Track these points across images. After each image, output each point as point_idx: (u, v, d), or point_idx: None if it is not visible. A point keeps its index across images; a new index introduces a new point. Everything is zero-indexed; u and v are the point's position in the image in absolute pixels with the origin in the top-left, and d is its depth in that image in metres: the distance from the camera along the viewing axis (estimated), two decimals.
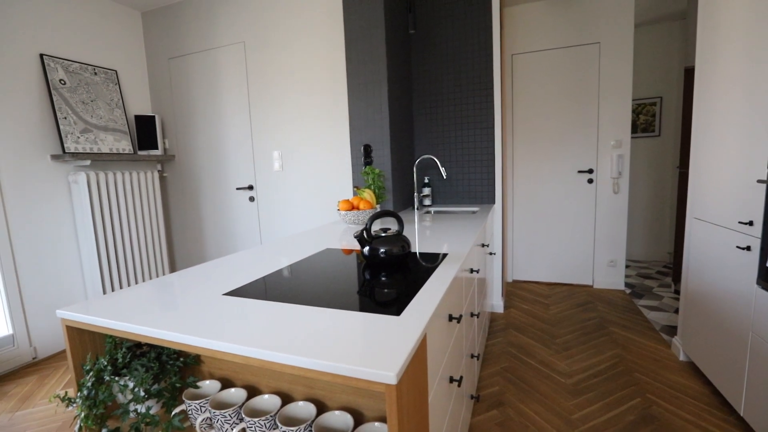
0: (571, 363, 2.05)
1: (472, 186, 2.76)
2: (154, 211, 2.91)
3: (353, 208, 1.94)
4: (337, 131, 2.55)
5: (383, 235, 1.18)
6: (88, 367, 0.85)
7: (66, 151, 2.41)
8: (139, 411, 0.81)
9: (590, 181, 3.16)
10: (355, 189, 2.02)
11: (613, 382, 1.86)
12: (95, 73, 2.67)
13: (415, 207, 2.52)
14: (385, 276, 1.05)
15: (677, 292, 3.02)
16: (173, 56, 2.94)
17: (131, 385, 0.81)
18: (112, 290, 2.63)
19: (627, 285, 3.25)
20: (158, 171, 3.05)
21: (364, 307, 0.81)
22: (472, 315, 1.48)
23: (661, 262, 3.92)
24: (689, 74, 2.82)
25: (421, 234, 1.64)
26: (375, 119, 2.30)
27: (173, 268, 3.26)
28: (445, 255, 1.25)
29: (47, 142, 2.41)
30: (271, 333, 0.69)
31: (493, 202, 2.71)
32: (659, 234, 3.92)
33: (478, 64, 2.64)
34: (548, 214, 3.32)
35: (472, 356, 1.47)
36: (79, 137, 2.50)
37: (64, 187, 2.49)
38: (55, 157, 2.42)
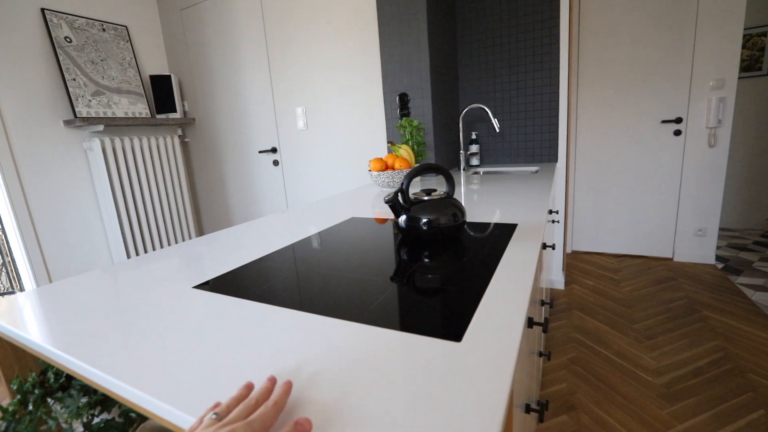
0: (659, 356, 1.65)
1: (529, 142, 2.31)
2: (176, 178, 2.73)
3: (387, 167, 1.60)
4: (367, 82, 2.16)
5: (426, 198, 0.84)
6: (15, 387, 0.61)
7: (77, 115, 2.23)
8: None
9: (677, 132, 2.57)
10: (390, 145, 1.67)
11: (720, 384, 1.46)
12: (103, 30, 2.44)
13: (461, 167, 2.13)
14: (429, 258, 0.72)
15: None
16: (185, 6, 2.63)
17: (63, 416, 0.56)
18: (137, 254, 2.51)
19: (718, 258, 2.70)
20: (179, 136, 2.85)
21: (391, 321, 0.48)
22: (543, 303, 1.13)
23: (758, 230, 3.27)
24: None
25: (473, 200, 1.28)
26: (412, 61, 1.89)
27: (201, 232, 3.13)
28: (514, 227, 0.89)
29: (58, 106, 2.24)
30: (223, 373, 0.39)
31: (555, 161, 2.25)
32: (758, 196, 3.24)
33: None
34: (619, 173, 2.79)
35: (540, 354, 1.13)
36: (90, 100, 2.32)
37: (80, 154, 2.35)
38: (67, 122, 2.26)
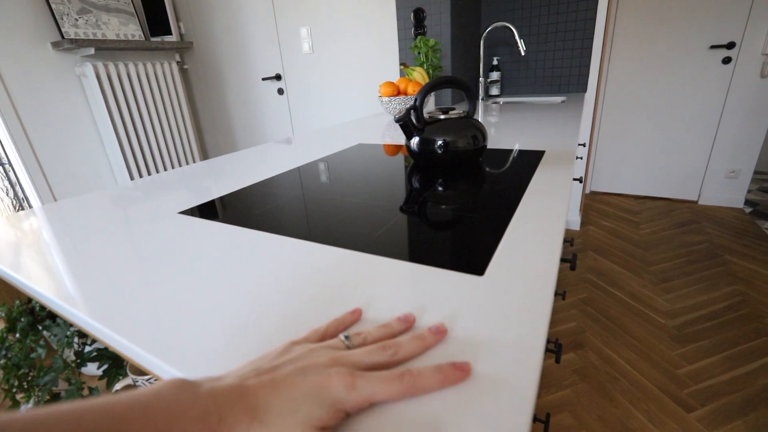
0: (673, 299, 1.61)
1: (556, 69, 2.08)
2: (177, 105, 2.59)
3: (399, 93, 1.45)
4: None
5: (442, 117, 0.73)
6: (3, 314, 0.58)
7: (65, 36, 2.06)
8: (71, 381, 0.54)
9: (727, 60, 2.29)
10: (402, 67, 1.50)
11: (735, 328, 1.42)
12: None
13: (480, 96, 1.95)
14: (445, 186, 0.63)
15: None
16: None
17: (53, 345, 0.53)
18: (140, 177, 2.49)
19: (746, 202, 2.56)
20: (177, 62, 2.66)
21: (401, 251, 0.41)
22: (564, 241, 1.05)
23: None
24: None
25: (494, 128, 1.15)
26: None
27: (206, 156, 3.06)
28: (541, 153, 0.79)
29: (41, 28, 2.06)
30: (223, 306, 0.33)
31: (584, 91, 2.04)
32: None
33: None
34: (651, 107, 2.56)
35: (556, 294, 1.09)
36: (77, 20, 2.12)
37: (73, 80, 2.21)
38: (55, 44, 2.09)
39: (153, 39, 2.51)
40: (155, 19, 2.47)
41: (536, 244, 0.40)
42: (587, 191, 2.92)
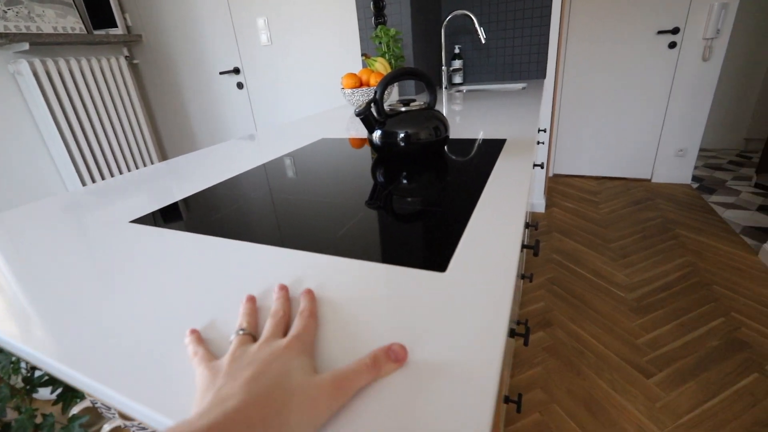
0: (632, 273, 1.71)
1: (516, 56, 2.12)
2: (129, 102, 2.44)
3: (361, 84, 1.43)
4: None
5: (403, 110, 0.72)
6: None
7: None
8: (21, 409, 0.50)
9: (672, 45, 2.41)
10: (364, 58, 1.48)
11: (686, 297, 1.53)
12: None
13: (443, 85, 1.96)
14: (408, 178, 0.63)
15: (761, 186, 2.50)
16: None
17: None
18: (93, 183, 2.34)
19: (693, 178, 2.73)
20: (126, 57, 2.50)
21: (362, 251, 0.41)
22: (527, 226, 1.08)
23: (733, 150, 3.30)
24: None
25: (457, 117, 1.16)
26: None
27: (164, 156, 2.92)
28: (503, 142, 0.80)
29: None
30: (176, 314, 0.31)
31: (543, 77, 2.10)
32: (738, 115, 3.20)
33: None
34: (605, 90, 2.67)
35: (523, 277, 1.12)
36: (5, 11, 1.94)
37: (7, 80, 2.03)
38: None
39: (96, 32, 2.34)
40: (98, 11, 2.30)
41: (498, 234, 0.41)
42: (550, 174, 3.03)
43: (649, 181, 2.75)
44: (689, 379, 1.17)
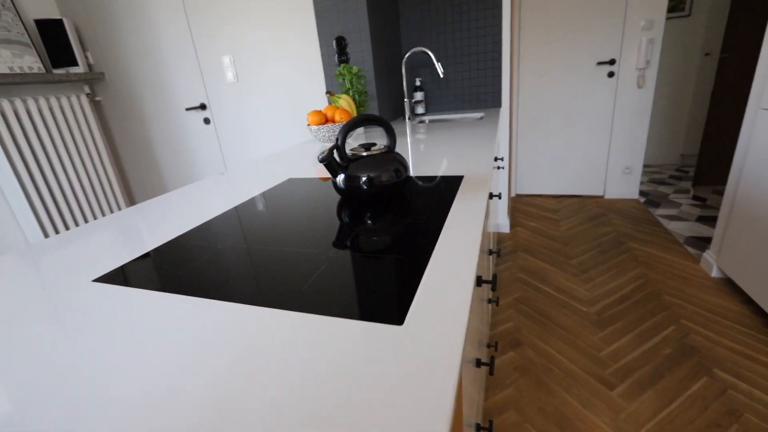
0: (592, 288, 1.81)
1: (473, 87, 2.26)
2: (91, 141, 2.39)
3: (327, 120, 1.49)
4: (302, 24, 1.95)
5: (365, 154, 0.77)
6: None
7: None
8: None
9: (611, 74, 2.65)
10: (328, 96, 1.54)
11: (641, 307, 1.64)
12: None
13: (407, 116, 2.06)
14: (371, 220, 0.67)
15: (697, 198, 2.74)
16: None
17: None
18: (56, 233, 2.24)
19: (640, 193, 2.96)
20: (87, 94, 2.46)
21: (323, 306, 0.44)
22: (491, 253, 1.15)
23: (673, 165, 3.60)
24: None
25: (419, 151, 1.23)
26: (347, 2, 1.71)
27: (132, 201, 2.85)
28: (460, 179, 0.86)
29: None
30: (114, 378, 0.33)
31: (499, 106, 2.25)
32: (674, 134, 3.53)
33: None
34: (557, 117, 2.88)
35: (489, 301, 1.18)
36: None
37: None
38: None
39: (56, 71, 2.30)
40: (57, 50, 2.27)
41: (452, 281, 0.45)
42: (513, 194, 3.18)
43: (602, 197, 2.95)
44: (648, 387, 1.25)
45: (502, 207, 2.46)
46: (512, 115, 2.55)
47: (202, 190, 1.02)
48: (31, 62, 2.17)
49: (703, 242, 2.12)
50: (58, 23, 2.22)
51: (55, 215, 2.22)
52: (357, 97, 1.66)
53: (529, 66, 2.82)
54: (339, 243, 0.59)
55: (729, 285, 1.72)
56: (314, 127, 1.46)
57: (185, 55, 2.22)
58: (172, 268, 0.56)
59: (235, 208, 0.83)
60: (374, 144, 0.81)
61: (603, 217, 2.59)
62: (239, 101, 2.22)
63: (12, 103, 2.03)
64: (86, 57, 2.44)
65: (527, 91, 2.88)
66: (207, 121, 2.33)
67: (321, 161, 0.74)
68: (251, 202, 0.86)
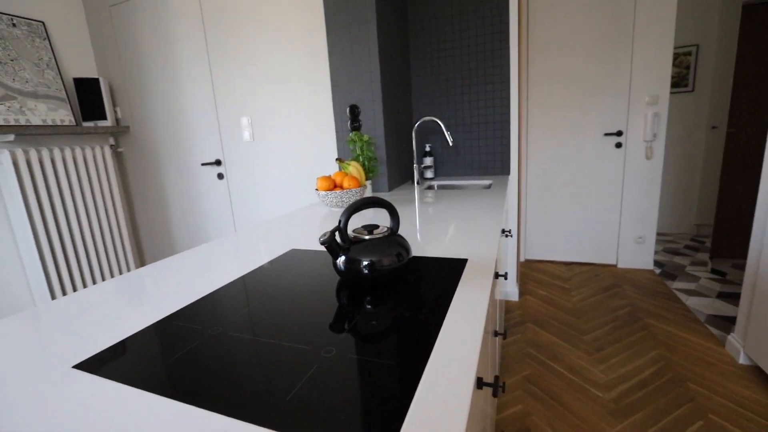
0: (607, 369, 1.69)
1: (482, 155, 2.31)
2: (109, 193, 2.47)
3: (335, 186, 1.51)
4: (317, 92, 2.07)
5: (366, 238, 0.76)
6: None
7: None
8: None
9: (618, 145, 2.70)
10: (338, 162, 1.58)
11: (663, 396, 1.51)
12: (14, 25, 2.15)
13: (416, 181, 2.09)
14: (370, 307, 0.64)
15: (716, 271, 2.64)
16: (115, 2, 2.39)
17: None
18: (63, 293, 2.24)
19: (655, 263, 2.87)
20: (111, 146, 2.58)
21: (306, 424, 0.40)
22: (496, 334, 1.09)
23: (687, 234, 3.53)
24: (750, 12, 2.30)
25: (425, 222, 1.22)
26: (362, 71, 1.81)
27: (142, 260, 2.87)
28: (464, 262, 0.84)
29: None
30: None
31: (508, 173, 2.27)
32: (686, 204, 3.50)
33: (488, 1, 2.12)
34: (567, 184, 2.89)
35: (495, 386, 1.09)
36: None
37: None
38: None
39: (85, 124, 2.44)
40: (89, 105, 2.42)
41: (452, 386, 0.41)
42: (522, 260, 3.12)
43: (615, 266, 2.87)
44: None
45: (511, 274, 2.39)
46: (521, 181, 2.57)
47: (206, 256, 1.01)
48: (63, 115, 2.31)
49: (726, 322, 2.00)
50: (94, 82, 2.40)
51: (65, 272, 2.24)
52: (366, 163, 1.70)
53: (538, 135, 2.89)
54: (333, 339, 0.55)
55: (759, 374, 1.59)
56: (322, 193, 1.48)
57: (206, 114, 2.34)
58: (153, 359, 0.53)
59: (228, 285, 0.81)
60: (376, 226, 0.79)
61: (617, 288, 2.49)
62: (253, 160, 2.30)
63: (39, 152, 2.13)
64: (115, 111, 2.60)
65: (537, 158, 2.93)
66: (221, 176, 2.40)
67: (322, 243, 0.73)
68: (247, 277, 0.84)
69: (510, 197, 2.28)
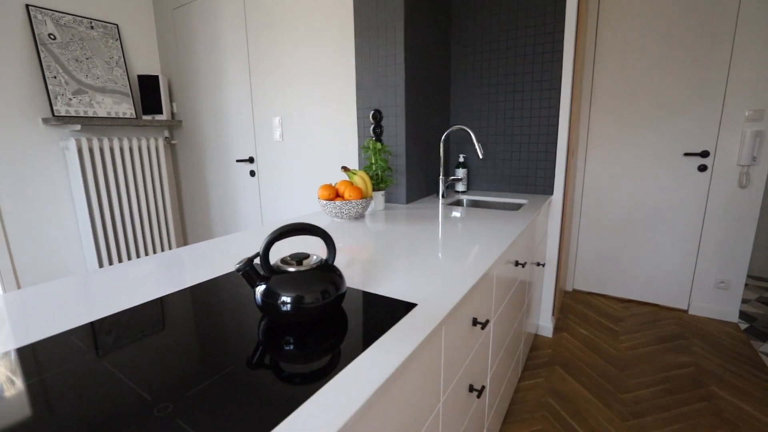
0: None
1: (522, 169, 2.06)
2: (159, 180, 2.67)
3: (336, 196, 1.42)
4: (346, 94, 2.00)
5: (290, 270, 0.65)
6: None
7: (55, 114, 2.19)
8: None
9: (702, 168, 2.24)
10: (343, 170, 1.49)
11: None
12: (92, 27, 2.40)
13: (441, 194, 1.92)
14: (291, 346, 0.53)
15: None
16: (177, 5, 2.57)
17: None
18: (110, 263, 2.47)
19: (742, 316, 2.34)
20: (166, 138, 2.79)
21: None
22: (472, 390, 0.91)
23: None
24: None
25: (412, 246, 1.08)
26: (387, 75, 1.70)
27: (185, 239, 3.07)
28: (411, 307, 0.69)
29: (36, 104, 2.21)
30: None
31: (551, 193, 2.00)
32: None
33: None
34: (631, 209, 2.48)
35: None
36: (71, 99, 2.28)
37: (57, 154, 2.31)
38: (45, 120, 2.23)
39: (144, 117, 2.66)
40: (149, 99, 2.63)
41: None
42: (569, 289, 2.76)
43: (686, 312, 2.39)
44: None
45: (545, 305, 2.11)
46: (572, 201, 2.26)
47: (166, 263, 0.98)
48: (126, 109, 2.54)
49: None
50: (154, 79, 2.60)
51: (113, 247, 2.46)
52: (380, 173, 1.59)
53: (600, 150, 2.52)
54: (176, 395, 0.46)
55: None
56: (323, 202, 1.40)
57: (243, 113, 2.41)
58: (37, 370, 0.48)
59: (139, 306, 0.76)
60: (307, 256, 0.69)
61: (681, 340, 2.07)
62: (282, 159, 2.31)
63: (101, 141, 2.36)
64: (171, 106, 2.79)
65: (596, 176, 2.56)
66: (252, 173, 2.46)
67: (237, 271, 0.64)
68: (166, 299, 0.79)
69: (552, 218, 2.00)
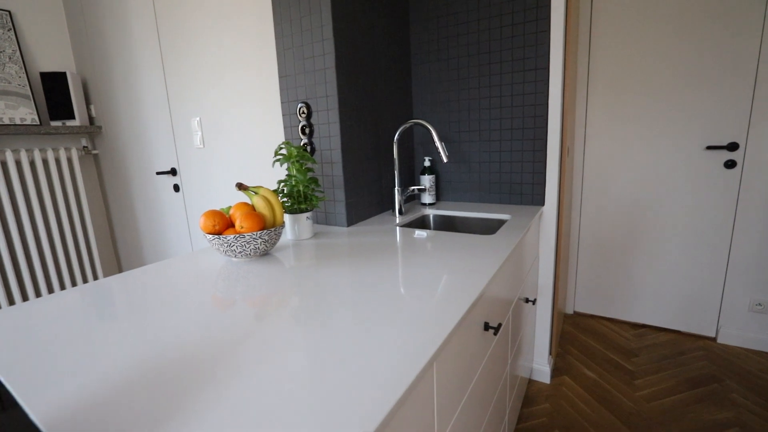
0: None
1: (504, 174, 1.62)
2: (74, 197, 2.23)
3: (226, 227, 0.98)
4: (269, 87, 1.56)
5: None
6: None
7: None
8: None
9: (730, 164, 1.81)
10: (238, 188, 1.03)
11: None
12: None
13: (397, 210, 1.48)
14: None
15: None
16: None
17: None
18: (24, 300, 2.01)
19: None
20: (84, 147, 2.34)
21: None
22: None
23: None
24: None
25: (338, 295, 0.63)
26: (314, 56, 1.26)
27: (120, 268, 2.62)
28: None
29: None
30: None
31: (542, 203, 1.56)
32: None
33: None
34: (642, 216, 2.05)
35: None
36: None
37: None
38: None
39: (53, 123, 2.21)
40: (56, 102, 2.18)
41: None
42: (570, 311, 2.32)
43: (714, 340, 1.96)
44: None
45: (540, 345, 1.67)
46: (565, 209, 1.83)
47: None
48: (25, 113, 2.09)
49: None
50: (61, 76, 2.15)
51: (27, 281, 2.03)
52: (300, 188, 1.14)
53: (601, 144, 2.09)
54: None
55: None
56: (208, 237, 0.96)
57: (160, 116, 1.97)
58: None
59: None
60: None
61: (715, 384, 1.63)
62: (205, 169, 1.87)
63: (2, 153, 1.92)
64: (89, 110, 2.34)
65: (597, 176, 2.13)
66: (176, 188, 2.02)
67: None
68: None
69: (544, 236, 1.56)
